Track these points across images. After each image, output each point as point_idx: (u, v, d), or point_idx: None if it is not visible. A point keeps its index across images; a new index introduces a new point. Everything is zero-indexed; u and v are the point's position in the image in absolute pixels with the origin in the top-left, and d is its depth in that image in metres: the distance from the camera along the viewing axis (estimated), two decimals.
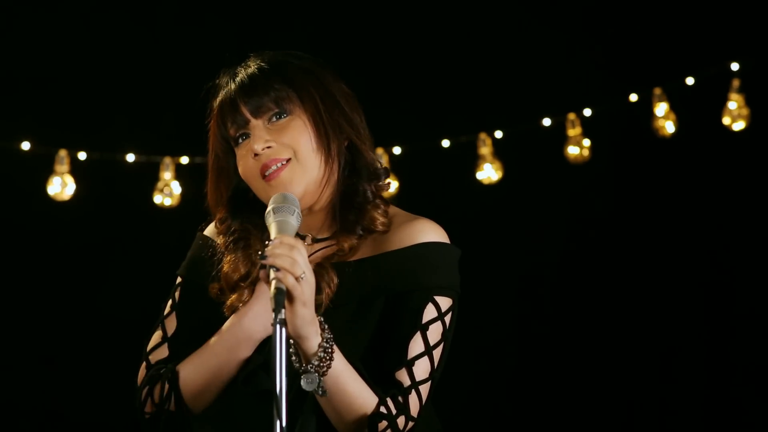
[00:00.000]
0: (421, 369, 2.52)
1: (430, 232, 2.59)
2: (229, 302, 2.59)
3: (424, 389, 2.53)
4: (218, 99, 2.62)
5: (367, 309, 2.55)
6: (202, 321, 2.61)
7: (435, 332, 2.54)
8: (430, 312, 2.54)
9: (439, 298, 2.55)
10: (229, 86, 2.61)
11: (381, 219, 2.61)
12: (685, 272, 6.06)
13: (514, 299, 6.22)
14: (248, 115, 2.57)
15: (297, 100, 2.58)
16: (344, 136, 2.61)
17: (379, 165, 2.66)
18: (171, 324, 2.66)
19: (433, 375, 2.54)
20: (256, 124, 2.57)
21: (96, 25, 6.08)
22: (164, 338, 2.65)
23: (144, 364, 2.66)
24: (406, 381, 2.51)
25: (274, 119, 2.58)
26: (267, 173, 2.55)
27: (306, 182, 2.55)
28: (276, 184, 2.53)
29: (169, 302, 2.68)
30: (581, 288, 6.16)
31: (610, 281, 6.13)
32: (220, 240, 2.66)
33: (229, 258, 2.62)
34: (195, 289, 2.66)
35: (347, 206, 2.61)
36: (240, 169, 2.59)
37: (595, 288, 6.14)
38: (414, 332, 2.52)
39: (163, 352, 2.64)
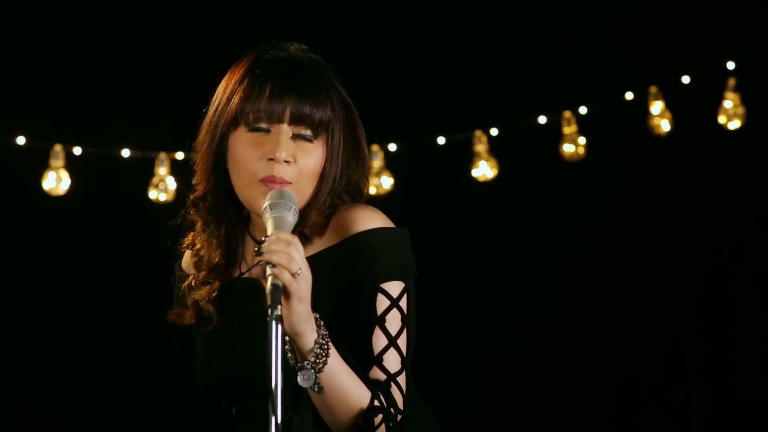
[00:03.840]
0: (392, 361, 2.51)
1: (362, 221, 2.56)
2: (197, 295, 2.63)
3: (401, 380, 2.52)
4: (266, 72, 2.55)
5: (314, 308, 2.50)
6: (194, 349, 2.66)
7: (394, 321, 2.52)
8: (382, 303, 2.51)
9: (386, 285, 2.52)
10: (279, 68, 2.55)
11: (322, 222, 2.59)
12: (681, 270, 6.07)
13: (508, 296, 6.22)
14: (287, 120, 2.53)
15: (329, 132, 2.56)
16: (349, 172, 2.61)
17: (363, 196, 2.64)
18: (178, 362, 2.75)
19: (405, 363, 2.52)
20: (286, 131, 2.53)
21: (91, 20, 6.07)
22: (179, 376, 2.76)
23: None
24: (382, 377, 2.50)
25: (300, 137, 2.54)
26: (268, 183, 2.52)
27: None
28: None
29: (173, 340, 2.75)
30: (577, 285, 6.16)
31: (606, 278, 6.13)
32: (195, 216, 2.67)
33: (203, 237, 2.65)
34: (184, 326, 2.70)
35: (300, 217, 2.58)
36: (238, 153, 2.55)
37: (590, 285, 6.14)
38: (372, 328, 2.51)
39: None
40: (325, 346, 2.38)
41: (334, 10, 6.10)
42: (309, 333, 2.36)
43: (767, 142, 5.94)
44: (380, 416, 2.46)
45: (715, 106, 5.84)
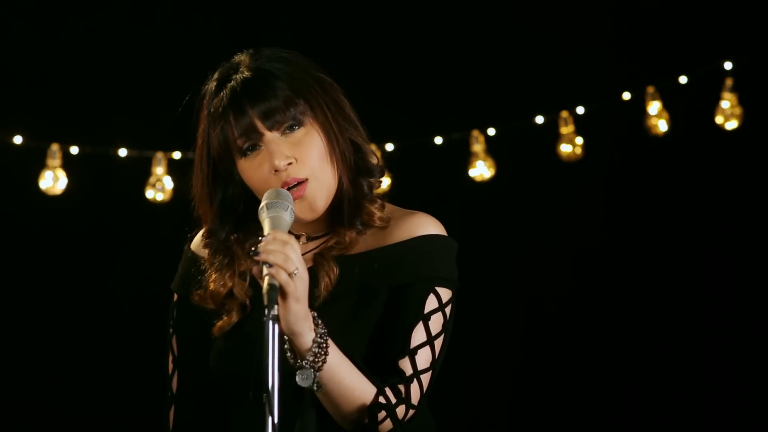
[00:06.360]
0: (423, 358, 2.54)
1: (429, 226, 2.62)
2: (219, 324, 2.60)
3: (426, 378, 2.55)
4: (220, 105, 2.55)
5: (369, 302, 2.56)
6: (200, 335, 2.64)
7: (436, 322, 2.56)
8: (431, 302, 2.56)
9: (440, 289, 2.58)
10: (230, 92, 2.55)
11: (378, 213, 2.63)
12: (679, 270, 6.07)
13: (507, 297, 6.22)
14: (262, 128, 2.53)
15: (308, 110, 2.56)
16: (348, 136, 2.62)
17: (375, 160, 2.68)
18: (177, 344, 2.71)
19: (434, 365, 2.56)
20: (273, 138, 2.53)
21: (89, 20, 6.06)
22: (175, 362, 2.70)
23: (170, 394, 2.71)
24: (408, 370, 2.53)
25: (288, 131, 2.55)
26: (288, 190, 2.51)
27: (326, 196, 2.56)
28: (301, 203, 2.53)
29: (170, 323, 2.71)
30: (575, 286, 6.16)
31: (603, 279, 6.13)
32: (206, 253, 2.66)
33: (214, 275, 2.63)
34: (189, 305, 2.67)
35: (344, 202, 2.61)
36: (252, 181, 2.55)
37: (588, 285, 6.14)
38: (416, 322, 2.54)
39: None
40: (324, 345, 2.39)
41: (330, 10, 6.10)
42: (306, 332, 2.36)
43: (764, 143, 5.94)
44: (384, 412, 2.48)
45: (713, 106, 5.84)
